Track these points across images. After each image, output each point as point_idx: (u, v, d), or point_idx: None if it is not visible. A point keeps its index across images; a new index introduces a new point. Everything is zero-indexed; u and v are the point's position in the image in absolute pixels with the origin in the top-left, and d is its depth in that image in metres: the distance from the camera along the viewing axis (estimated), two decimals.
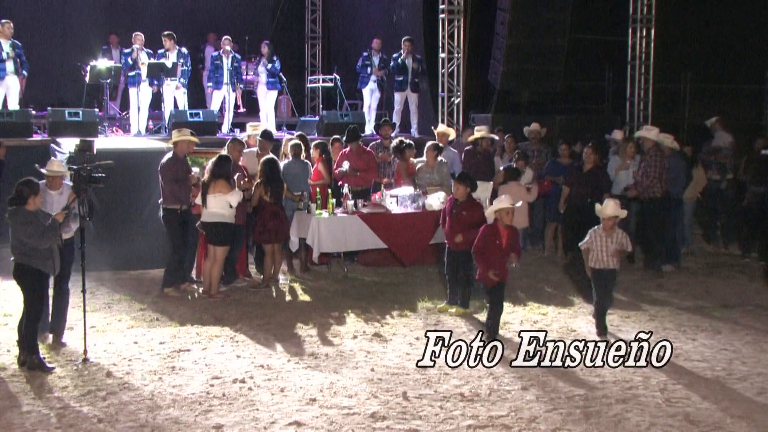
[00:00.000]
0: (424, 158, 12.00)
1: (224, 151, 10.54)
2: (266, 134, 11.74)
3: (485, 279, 8.43)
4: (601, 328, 8.53)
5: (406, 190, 11.38)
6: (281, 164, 10.94)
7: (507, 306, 9.57)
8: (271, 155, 10.82)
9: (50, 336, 8.16)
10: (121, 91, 16.26)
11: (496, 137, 13.37)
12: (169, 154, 10.05)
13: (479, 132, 12.56)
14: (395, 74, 15.94)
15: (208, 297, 9.84)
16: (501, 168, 11.99)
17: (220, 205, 9.81)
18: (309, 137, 13.00)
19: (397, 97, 16.16)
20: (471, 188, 9.44)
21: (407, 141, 12.25)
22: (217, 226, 9.86)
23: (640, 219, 11.46)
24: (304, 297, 10.14)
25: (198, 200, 10.00)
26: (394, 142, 12.24)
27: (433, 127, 13.62)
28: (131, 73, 14.89)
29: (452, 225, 9.30)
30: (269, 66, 15.65)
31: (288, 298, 10.09)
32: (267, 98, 15.87)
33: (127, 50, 15.06)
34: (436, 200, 11.07)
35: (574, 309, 9.62)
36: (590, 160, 11.59)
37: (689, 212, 12.44)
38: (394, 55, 15.93)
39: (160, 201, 10.14)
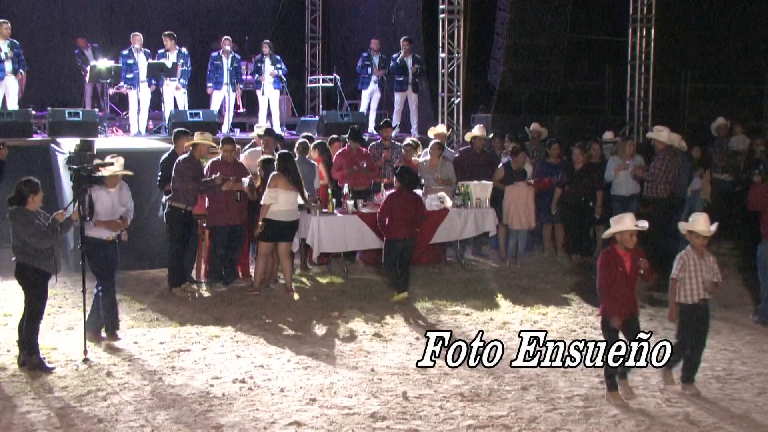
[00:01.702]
0: (427, 157, 12.02)
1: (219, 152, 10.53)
2: (270, 132, 11.77)
3: (612, 317, 6.76)
4: (688, 375, 7.12)
5: None
6: None
7: (507, 306, 9.61)
8: (271, 156, 10.80)
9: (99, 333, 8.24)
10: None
11: (491, 135, 13.41)
12: (186, 154, 10.06)
13: (474, 131, 12.60)
14: (395, 74, 15.95)
15: (251, 292, 10.05)
16: (500, 166, 12.01)
17: (291, 202, 9.94)
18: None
19: (397, 97, 16.16)
20: (404, 183, 9.91)
21: (412, 140, 12.32)
22: (295, 223, 10.13)
23: (644, 219, 11.42)
24: (304, 297, 10.13)
25: (268, 198, 9.83)
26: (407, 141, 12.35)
27: (430, 129, 13.62)
28: (129, 75, 14.86)
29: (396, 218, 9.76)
30: (278, 66, 15.67)
31: (288, 298, 10.08)
32: (273, 98, 15.89)
33: (125, 51, 15.04)
34: (436, 200, 11.07)
35: (574, 309, 9.61)
36: (579, 160, 11.75)
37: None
38: (394, 55, 15.94)
39: (164, 199, 10.13)
